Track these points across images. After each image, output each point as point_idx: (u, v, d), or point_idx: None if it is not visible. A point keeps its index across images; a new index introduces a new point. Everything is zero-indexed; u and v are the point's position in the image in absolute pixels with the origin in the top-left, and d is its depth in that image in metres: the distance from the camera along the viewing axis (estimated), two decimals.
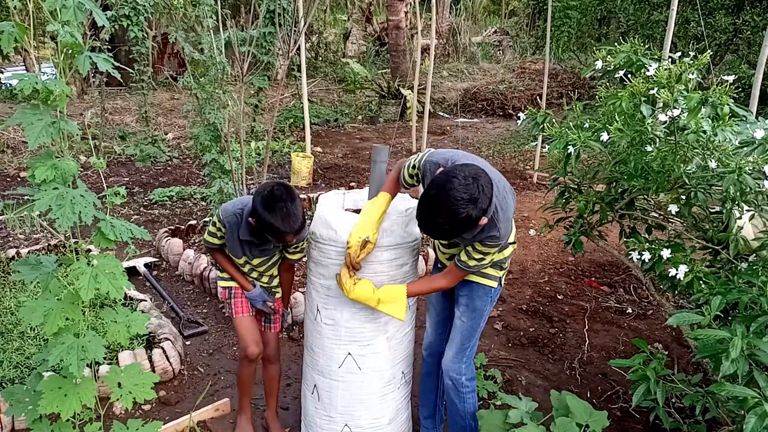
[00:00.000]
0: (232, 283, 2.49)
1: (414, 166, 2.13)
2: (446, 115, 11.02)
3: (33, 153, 6.12)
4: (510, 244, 2.21)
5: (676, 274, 2.10)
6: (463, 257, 2.05)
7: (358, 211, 2.46)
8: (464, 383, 2.33)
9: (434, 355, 2.52)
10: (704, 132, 2.00)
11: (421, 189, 2.09)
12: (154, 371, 2.96)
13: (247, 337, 2.44)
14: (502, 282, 2.29)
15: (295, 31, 5.22)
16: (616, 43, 2.48)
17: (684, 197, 2.25)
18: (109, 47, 7.20)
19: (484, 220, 1.85)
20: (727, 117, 2.01)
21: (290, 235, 2.11)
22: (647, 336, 3.69)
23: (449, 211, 1.77)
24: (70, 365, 1.67)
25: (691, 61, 2.18)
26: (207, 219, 4.80)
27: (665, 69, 2.12)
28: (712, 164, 2.04)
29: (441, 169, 1.91)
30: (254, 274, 2.47)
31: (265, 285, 2.51)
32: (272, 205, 2.03)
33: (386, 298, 2.12)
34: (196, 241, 4.72)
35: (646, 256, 2.22)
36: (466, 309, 2.28)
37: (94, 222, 1.72)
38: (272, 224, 2.04)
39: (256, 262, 2.40)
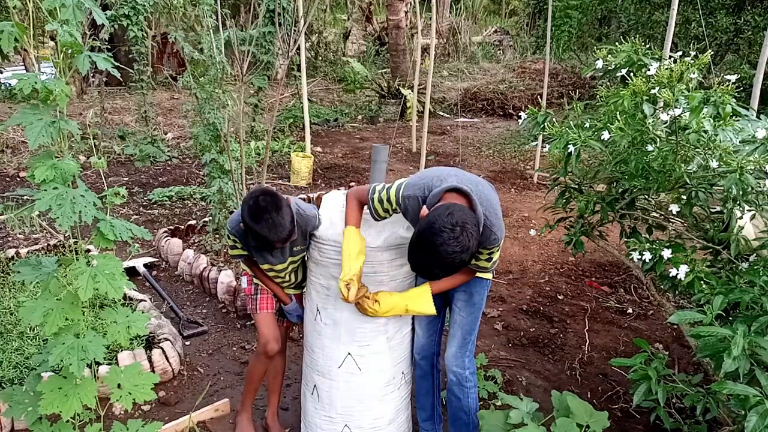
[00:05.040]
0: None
1: (387, 200, 2.11)
2: (446, 115, 11.02)
3: (33, 153, 6.12)
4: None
5: (677, 274, 2.09)
6: (473, 260, 2.08)
7: None
8: (468, 377, 2.35)
9: (427, 358, 2.51)
10: (705, 131, 2.00)
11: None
12: (153, 372, 2.96)
13: (269, 333, 2.46)
14: (493, 275, 2.39)
15: (294, 30, 5.22)
16: (616, 43, 2.47)
17: (685, 197, 2.25)
18: (109, 47, 7.19)
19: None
20: (728, 116, 2.00)
21: (278, 243, 2.09)
22: (648, 336, 3.68)
23: (444, 264, 1.83)
24: (70, 365, 1.67)
25: (692, 61, 2.18)
26: (206, 219, 4.79)
27: (666, 68, 2.12)
28: (714, 164, 2.03)
29: (424, 209, 1.94)
30: (278, 279, 2.47)
31: (293, 282, 2.50)
32: (258, 216, 2.01)
33: (413, 300, 2.16)
34: (196, 241, 4.71)
35: (647, 256, 2.22)
36: (465, 304, 2.30)
37: (94, 222, 1.71)
38: (258, 233, 2.03)
39: (279, 267, 2.38)
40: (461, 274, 2.18)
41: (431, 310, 2.18)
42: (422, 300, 2.17)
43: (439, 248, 1.78)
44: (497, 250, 2.10)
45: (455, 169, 2.12)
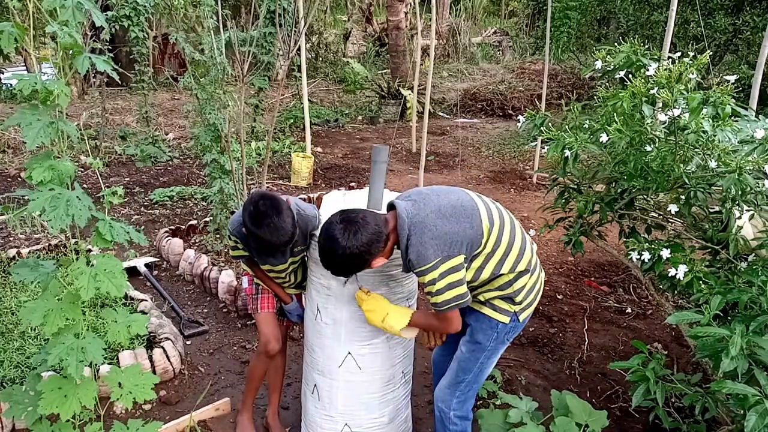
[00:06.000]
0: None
1: None
2: (446, 116, 11.02)
3: (33, 153, 6.12)
4: (521, 273, 2.05)
5: (676, 273, 2.10)
6: (428, 297, 1.96)
7: None
8: (452, 419, 2.20)
9: (436, 364, 2.51)
10: (704, 132, 2.00)
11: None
12: (154, 371, 2.97)
13: (269, 333, 2.48)
14: (519, 319, 2.10)
15: (295, 31, 5.23)
16: (615, 44, 2.48)
17: (684, 197, 2.25)
18: (110, 48, 7.20)
19: (379, 261, 1.93)
20: (728, 117, 2.01)
21: (280, 246, 2.08)
22: (647, 336, 3.69)
23: (322, 251, 1.94)
24: (68, 366, 1.68)
25: (691, 61, 2.19)
26: (207, 219, 4.80)
27: (665, 69, 2.13)
28: (712, 164, 2.04)
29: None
30: (278, 279, 2.47)
31: (293, 282, 2.50)
32: (259, 221, 2.01)
33: (394, 312, 2.08)
34: (197, 241, 4.72)
35: (646, 256, 2.22)
36: (466, 339, 2.17)
37: (95, 222, 1.72)
38: (261, 238, 2.03)
39: (279, 268, 2.38)
40: (437, 318, 2.02)
41: (398, 330, 2.05)
42: (400, 316, 2.06)
43: (330, 228, 1.89)
44: (431, 282, 1.87)
45: (440, 189, 2.01)
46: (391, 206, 1.99)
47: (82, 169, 6.59)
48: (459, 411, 2.21)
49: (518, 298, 2.07)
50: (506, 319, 2.08)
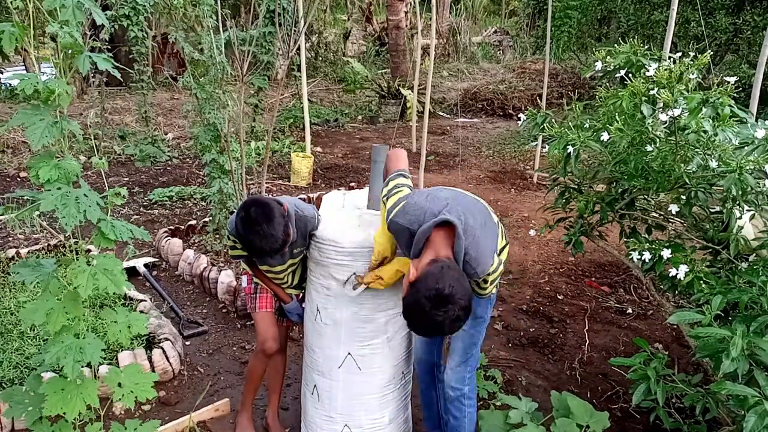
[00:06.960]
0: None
1: (384, 202, 2.09)
2: (446, 115, 11.02)
3: (33, 153, 6.11)
4: (502, 248, 2.19)
5: (677, 274, 2.09)
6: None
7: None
8: (467, 395, 2.29)
9: (428, 370, 2.52)
10: (705, 132, 2.00)
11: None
12: (153, 371, 2.96)
13: (267, 332, 2.48)
14: (499, 285, 2.28)
15: (295, 30, 5.22)
16: (616, 44, 2.47)
17: (684, 197, 2.25)
18: (109, 47, 7.20)
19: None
20: (727, 117, 2.01)
21: (272, 253, 2.08)
22: (647, 336, 3.68)
23: (438, 328, 1.80)
24: (64, 366, 1.67)
25: (692, 61, 2.18)
26: (207, 219, 4.80)
27: (665, 69, 2.12)
28: (713, 164, 2.04)
29: (412, 269, 1.86)
30: (276, 280, 2.47)
31: (291, 283, 2.50)
32: (249, 227, 2.00)
33: (402, 263, 2.12)
34: (196, 241, 4.71)
35: (647, 256, 2.22)
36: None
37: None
38: (250, 243, 2.03)
39: (278, 269, 2.38)
40: None
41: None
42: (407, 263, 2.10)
43: (428, 317, 1.78)
44: (489, 279, 2.00)
45: (453, 192, 2.08)
46: (439, 225, 1.90)
47: (82, 170, 6.58)
48: (471, 384, 2.31)
49: (501, 268, 2.17)
50: (495, 289, 2.20)
